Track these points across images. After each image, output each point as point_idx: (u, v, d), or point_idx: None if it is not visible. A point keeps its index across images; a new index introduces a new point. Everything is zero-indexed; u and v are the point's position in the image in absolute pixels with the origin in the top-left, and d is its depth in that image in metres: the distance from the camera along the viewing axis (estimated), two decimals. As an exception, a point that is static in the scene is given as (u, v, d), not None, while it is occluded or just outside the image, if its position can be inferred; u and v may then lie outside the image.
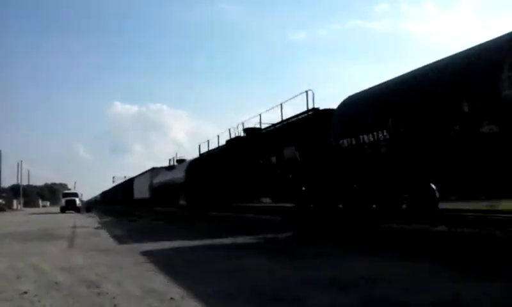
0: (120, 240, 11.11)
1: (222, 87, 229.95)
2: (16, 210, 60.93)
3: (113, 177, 69.19)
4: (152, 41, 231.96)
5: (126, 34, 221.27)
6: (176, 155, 32.61)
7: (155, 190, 33.44)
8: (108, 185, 79.24)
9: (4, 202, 61.89)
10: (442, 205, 10.29)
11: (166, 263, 6.67)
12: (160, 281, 5.25)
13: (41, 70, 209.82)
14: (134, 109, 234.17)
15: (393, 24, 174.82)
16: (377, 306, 3.93)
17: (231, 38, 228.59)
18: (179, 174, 26.07)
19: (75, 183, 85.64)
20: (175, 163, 30.77)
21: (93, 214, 33.72)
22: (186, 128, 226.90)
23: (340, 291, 4.43)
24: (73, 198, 40.64)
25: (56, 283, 5.40)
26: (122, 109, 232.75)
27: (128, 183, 49.77)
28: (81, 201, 47.31)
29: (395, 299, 4.00)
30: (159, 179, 32.28)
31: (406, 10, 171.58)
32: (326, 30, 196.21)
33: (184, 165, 26.11)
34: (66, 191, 50.27)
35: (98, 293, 4.69)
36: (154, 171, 35.41)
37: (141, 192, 40.14)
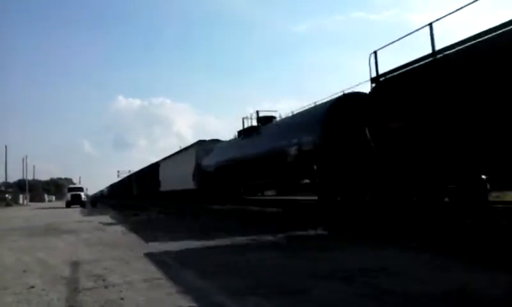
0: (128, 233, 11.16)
1: (223, 80, 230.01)
2: (23, 204, 61.42)
3: (118, 171, 69.60)
4: (152, 35, 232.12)
5: (126, 28, 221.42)
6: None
7: (208, 176, 20.41)
8: (113, 179, 79.52)
9: (10, 197, 62.46)
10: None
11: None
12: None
13: (42, 65, 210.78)
14: (137, 102, 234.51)
15: (396, 15, 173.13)
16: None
17: (232, 31, 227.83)
18: (291, 138, 12.65)
19: (80, 177, 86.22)
20: (253, 123, 17.06)
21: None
22: (190, 122, 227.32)
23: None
24: (78, 193, 40.71)
25: (62, 276, 5.45)
26: (125, 103, 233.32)
27: (150, 171, 37.56)
28: (86, 195, 47.49)
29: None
30: (219, 157, 19.28)
31: (409, 1, 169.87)
32: (328, 21, 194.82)
33: (314, 114, 12.31)
34: (72, 185, 50.34)
35: (105, 286, 4.72)
36: (202, 145, 23.07)
37: (174, 180, 27.58)
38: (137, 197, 44.80)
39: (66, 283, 5.08)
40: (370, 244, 7.35)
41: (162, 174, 32.55)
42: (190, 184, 23.38)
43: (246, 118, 17.24)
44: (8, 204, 53.96)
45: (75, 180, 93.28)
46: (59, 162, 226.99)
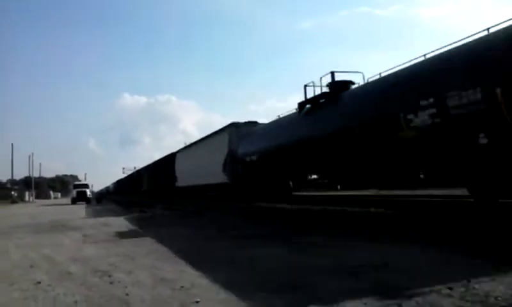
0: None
1: (224, 80, 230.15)
2: (29, 201, 61.84)
3: (123, 168, 69.86)
4: (152, 35, 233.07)
5: (126, 28, 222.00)
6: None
7: (247, 166, 16.15)
8: (118, 176, 79.80)
9: (16, 194, 62.93)
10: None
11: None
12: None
13: (43, 65, 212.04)
14: (143, 100, 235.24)
15: (402, 10, 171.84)
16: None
17: (232, 30, 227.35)
18: (417, 99, 8.04)
19: (85, 174, 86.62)
20: (320, 89, 12.18)
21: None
22: (195, 119, 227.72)
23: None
24: (84, 189, 41.02)
25: (68, 272, 5.50)
26: (131, 100, 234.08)
27: (164, 164, 32.61)
28: (92, 192, 47.76)
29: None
30: (263, 141, 15.11)
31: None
32: (332, 18, 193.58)
33: (477, 56, 7.17)
34: (77, 182, 50.71)
35: (111, 283, 4.76)
36: (237, 128, 18.33)
37: (197, 173, 22.75)
38: (147, 194, 40.49)
39: (72, 278, 5.13)
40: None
41: (179, 166, 27.92)
42: (219, 177, 18.68)
43: (310, 85, 12.20)
44: (14, 202, 54.40)
45: (80, 177, 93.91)
46: (64, 159, 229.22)
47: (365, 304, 3.58)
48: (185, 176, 26.38)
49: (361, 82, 11.19)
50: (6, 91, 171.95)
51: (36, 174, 79.82)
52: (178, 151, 29.26)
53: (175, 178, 28.44)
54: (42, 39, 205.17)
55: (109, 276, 5.08)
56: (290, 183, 15.57)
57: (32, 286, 4.76)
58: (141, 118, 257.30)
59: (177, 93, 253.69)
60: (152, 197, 35.76)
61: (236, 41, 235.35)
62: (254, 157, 15.48)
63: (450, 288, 3.83)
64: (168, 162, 30.81)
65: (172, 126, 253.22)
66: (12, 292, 4.56)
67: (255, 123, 18.23)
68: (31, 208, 32.58)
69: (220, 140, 19.59)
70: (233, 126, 18.69)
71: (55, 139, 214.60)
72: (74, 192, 40.75)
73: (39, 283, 4.91)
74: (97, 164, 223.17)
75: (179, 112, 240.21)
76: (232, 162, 17.62)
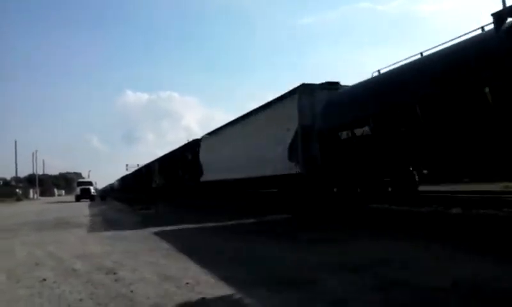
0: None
1: (229, 75, 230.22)
2: (33, 199, 62.15)
3: (127, 165, 69.56)
4: (152, 35, 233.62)
5: (126, 28, 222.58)
6: None
7: (339, 145, 10.33)
8: (122, 174, 79.66)
9: (21, 191, 63.23)
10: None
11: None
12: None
13: (45, 65, 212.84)
14: (145, 97, 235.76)
15: (404, 5, 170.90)
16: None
17: (236, 25, 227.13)
18: None
19: (89, 172, 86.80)
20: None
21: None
22: (197, 116, 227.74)
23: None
24: (87, 187, 41.15)
25: (73, 269, 5.52)
26: (134, 97, 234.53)
27: (183, 154, 26.28)
28: (96, 189, 47.88)
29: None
30: (377, 103, 9.17)
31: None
32: (334, 14, 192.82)
33: None
34: (81, 180, 50.82)
35: (115, 280, 4.78)
36: (312, 93, 12.21)
37: (235, 163, 16.78)
38: (159, 192, 34.33)
39: (77, 275, 5.15)
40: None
41: (207, 155, 21.60)
42: (282, 165, 12.72)
43: None
44: (19, 199, 54.71)
45: (84, 175, 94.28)
46: (68, 157, 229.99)
47: (367, 301, 3.58)
48: (217, 168, 19.51)
49: None
50: (6, 91, 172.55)
51: (40, 172, 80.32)
52: (205, 136, 23.00)
53: (199, 171, 22.16)
54: (42, 39, 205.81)
55: (114, 273, 5.10)
56: (415, 174, 10.43)
57: (37, 284, 4.78)
58: (144, 115, 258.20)
59: (178, 91, 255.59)
60: (166, 195, 29.80)
61: (238, 40, 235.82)
62: (365, 129, 9.41)
63: (456, 284, 3.82)
64: (189, 151, 24.71)
65: (174, 122, 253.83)
66: (18, 289, 4.58)
67: (336, 84, 12.53)
68: (36, 206, 32.73)
69: (282, 111, 13.33)
70: (307, 88, 12.46)
71: (58, 137, 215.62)
72: (78, 190, 40.85)
73: (44, 280, 4.94)
74: (101, 161, 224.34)
75: (181, 109, 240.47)
76: (307, 142, 11.90)
